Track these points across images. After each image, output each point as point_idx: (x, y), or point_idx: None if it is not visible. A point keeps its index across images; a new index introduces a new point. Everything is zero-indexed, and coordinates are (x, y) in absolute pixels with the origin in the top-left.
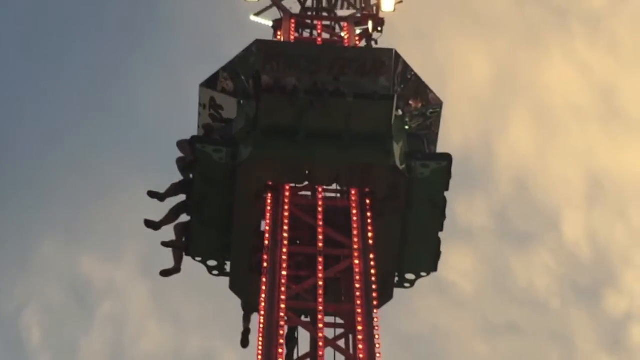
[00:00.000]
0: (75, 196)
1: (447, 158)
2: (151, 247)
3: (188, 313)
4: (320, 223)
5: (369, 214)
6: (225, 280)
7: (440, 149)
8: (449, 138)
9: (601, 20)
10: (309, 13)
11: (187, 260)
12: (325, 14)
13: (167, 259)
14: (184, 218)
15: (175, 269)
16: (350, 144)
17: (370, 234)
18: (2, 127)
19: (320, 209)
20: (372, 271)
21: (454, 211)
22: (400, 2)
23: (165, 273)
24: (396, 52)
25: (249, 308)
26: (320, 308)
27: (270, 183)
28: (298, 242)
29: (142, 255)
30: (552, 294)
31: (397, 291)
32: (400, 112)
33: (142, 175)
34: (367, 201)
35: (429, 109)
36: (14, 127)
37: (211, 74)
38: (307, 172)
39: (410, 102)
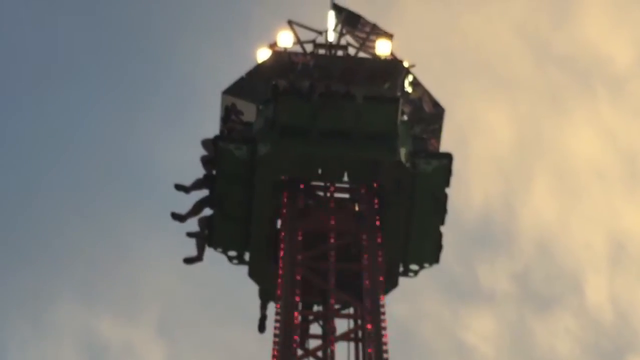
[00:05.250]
0: (92, 258)
1: (448, 157)
2: (168, 308)
3: None
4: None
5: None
6: (244, 341)
7: (462, 212)
8: (471, 199)
9: (625, 84)
10: None
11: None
12: None
13: (184, 320)
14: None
15: (198, 258)
16: (359, 142)
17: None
18: (20, 191)
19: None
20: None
21: (476, 274)
22: (413, 66)
23: (188, 261)
24: (403, 63)
25: (265, 296)
26: None
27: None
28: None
29: (158, 316)
30: (575, 358)
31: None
32: (405, 118)
33: (159, 237)
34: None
35: (432, 116)
36: (31, 190)
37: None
38: (319, 171)
39: (415, 109)
